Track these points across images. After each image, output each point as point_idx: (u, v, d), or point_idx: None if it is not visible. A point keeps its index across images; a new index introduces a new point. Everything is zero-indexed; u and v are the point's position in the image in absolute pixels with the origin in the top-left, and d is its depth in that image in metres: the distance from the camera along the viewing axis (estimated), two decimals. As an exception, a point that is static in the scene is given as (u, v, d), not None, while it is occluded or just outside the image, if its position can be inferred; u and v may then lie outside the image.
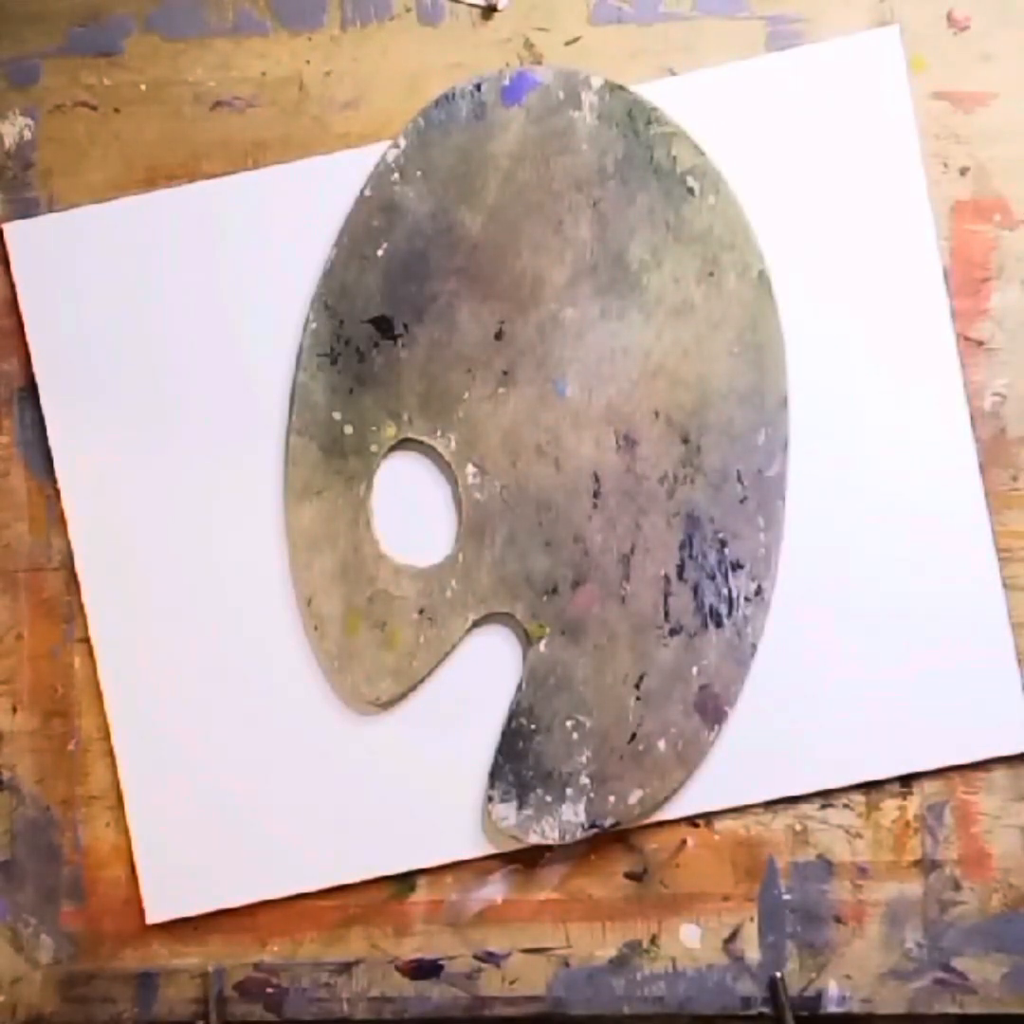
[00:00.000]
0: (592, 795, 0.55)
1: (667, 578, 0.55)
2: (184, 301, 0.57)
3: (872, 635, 0.56)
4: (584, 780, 0.55)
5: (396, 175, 0.56)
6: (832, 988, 0.56)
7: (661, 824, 0.56)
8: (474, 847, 0.56)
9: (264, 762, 0.57)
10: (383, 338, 0.56)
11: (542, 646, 0.55)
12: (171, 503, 0.57)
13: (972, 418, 0.56)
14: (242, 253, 0.57)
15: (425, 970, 0.57)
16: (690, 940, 0.56)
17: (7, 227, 0.57)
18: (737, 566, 0.55)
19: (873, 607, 0.56)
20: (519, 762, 0.55)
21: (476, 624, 0.56)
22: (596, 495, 0.56)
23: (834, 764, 0.56)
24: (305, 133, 0.57)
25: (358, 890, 0.57)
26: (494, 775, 0.56)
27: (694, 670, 0.55)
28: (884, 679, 0.56)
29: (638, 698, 0.55)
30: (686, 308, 0.56)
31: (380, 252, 0.56)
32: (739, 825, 0.56)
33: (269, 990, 0.57)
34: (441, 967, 0.57)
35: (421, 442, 0.56)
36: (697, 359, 0.55)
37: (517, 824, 0.55)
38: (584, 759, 0.55)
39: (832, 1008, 0.56)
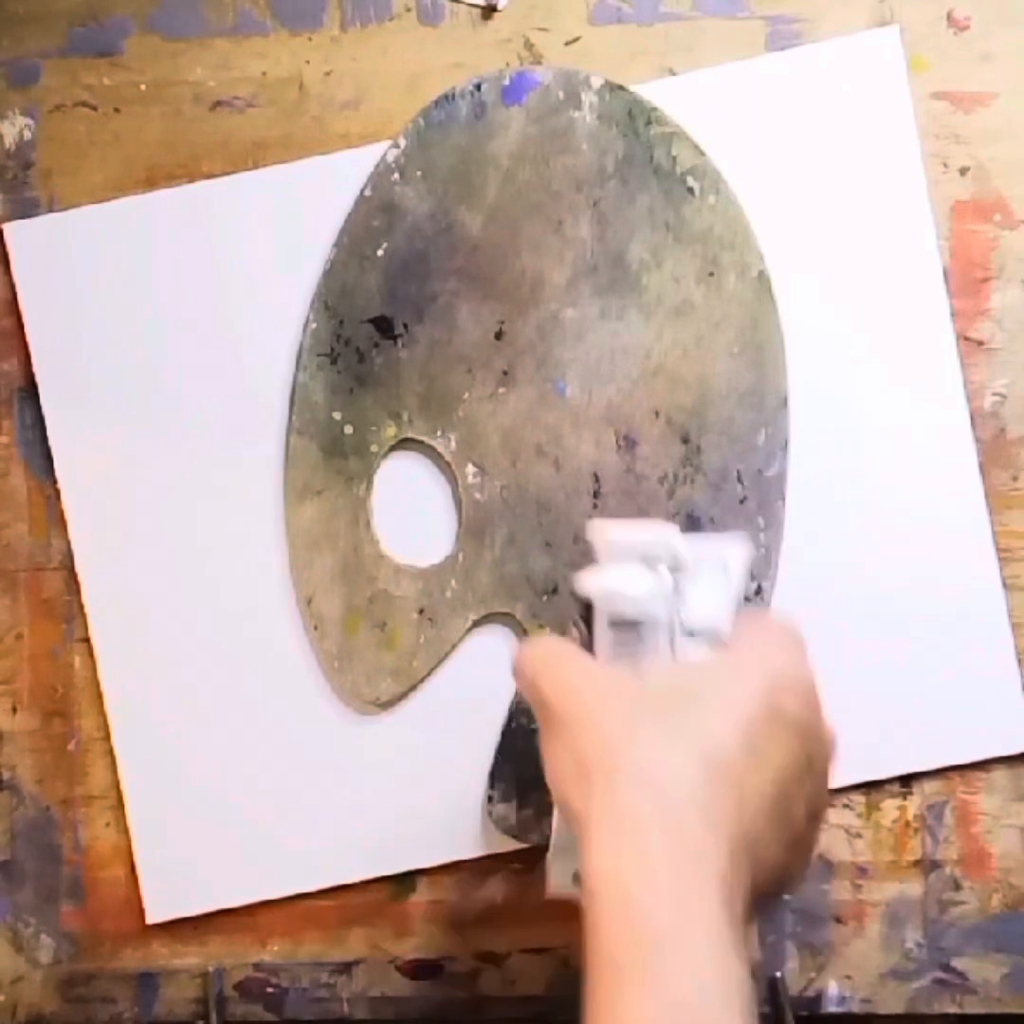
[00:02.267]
0: (592, 795, 0.55)
1: (667, 578, 0.55)
2: (184, 301, 0.57)
3: (872, 635, 0.56)
4: (584, 780, 0.55)
5: (396, 175, 0.56)
6: (832, 988, 0.56)
7: (661, 824, 0.56)
8: (474, 847, 0.56)
9: (264, 762, 0.56)
10: (383, 338, 0.56)
11: (542, 646, 0.55)
12: (171, 503, 0.57)
13: (972, 418, 0.56)
14: (242, 253, 0.57)
15: (425, 970, 0.57)
16: (690, 940, 0.56)
17: (7, 227, 0.57)
18: (737, 566, 0.55)
19: (873, 607, 0.56)
20: (519, 762, 0.55)
21: (476, 624, 0.56)
22: (596, 495, 0.56)
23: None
24: (305, 133, 0.57)
25: (358, 890, 0.57)
26: (494, 775, 0.56)
27: (694, 670, 0.55)
28: (884, 679, 0.56)
29: (638, 698, 0.55)
30: (686, 308, 0.56)
31: (380, 252, 0.56)
32: (739, 825, 0.56)
33: (269, 990, 0.57)
34: (441, 967, 0.57)
35: (421, 442, 0.56)
36: (697, 359, 0.55)
37: (517, 824, 0.55)
38: (584, 759, 0.55)
39: (832, 1008, 0.56)
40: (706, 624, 0.46)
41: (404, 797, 0.56)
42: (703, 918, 0.36)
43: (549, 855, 0.47)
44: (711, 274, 0.56)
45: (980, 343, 0.57)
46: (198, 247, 0.57)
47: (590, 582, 0.47)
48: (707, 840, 0.37)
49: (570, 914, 0.56)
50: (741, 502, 0.55)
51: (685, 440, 0.56)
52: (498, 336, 0.56)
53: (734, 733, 0.40)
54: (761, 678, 0.42)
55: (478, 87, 0.56)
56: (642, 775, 0.39)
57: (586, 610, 0.47)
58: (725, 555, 0.48)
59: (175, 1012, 0.57)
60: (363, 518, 0.56)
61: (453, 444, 0.56)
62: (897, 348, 0.56)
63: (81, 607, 0.57)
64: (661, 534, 0.47)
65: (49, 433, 0.57)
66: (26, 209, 0.57)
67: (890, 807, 0.56)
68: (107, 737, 0.57)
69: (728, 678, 0.42)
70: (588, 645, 0.47)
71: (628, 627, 0.46)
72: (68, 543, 0.57)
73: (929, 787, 0.56)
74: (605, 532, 0.48)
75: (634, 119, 0.56)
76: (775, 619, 0.48)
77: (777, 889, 0.43)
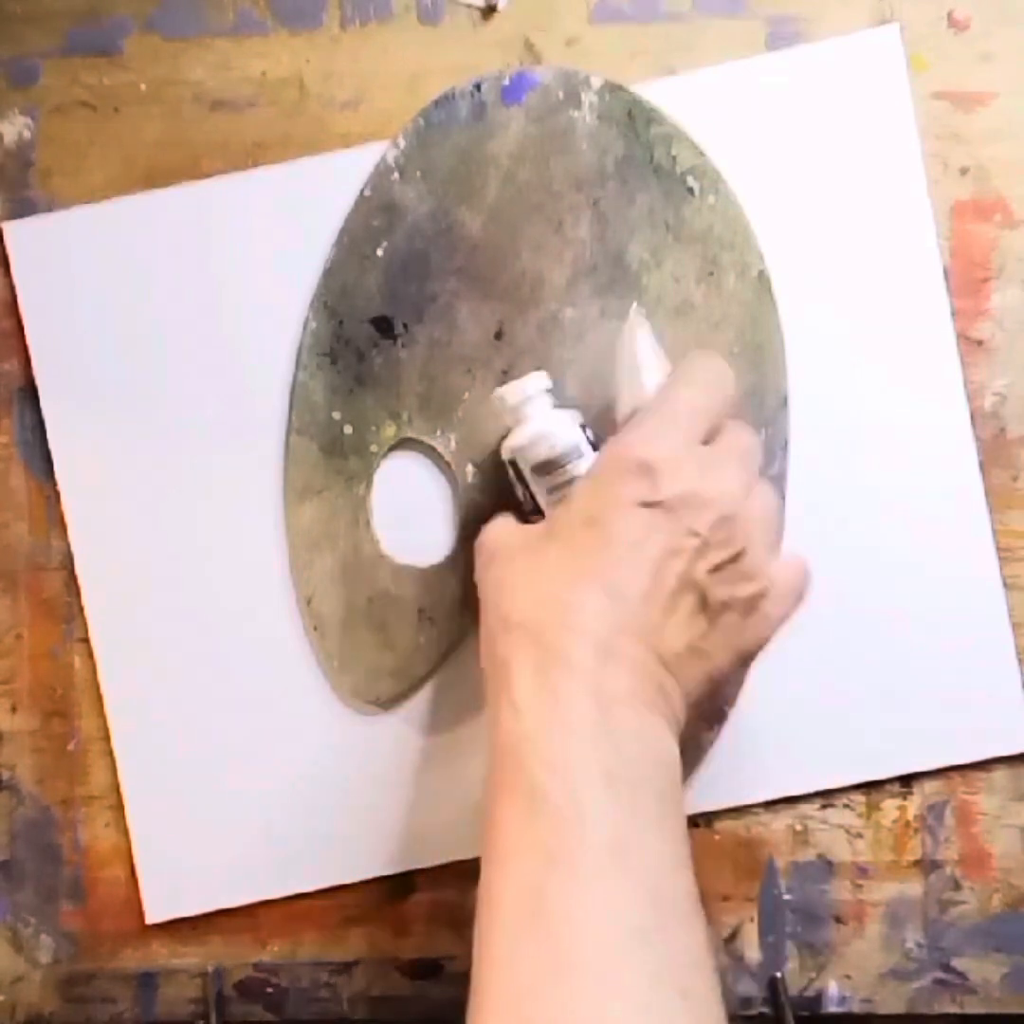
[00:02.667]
0: (592, 795, 0.55)
1: (667, 578, 0.55)
2: (184, 301, 0.57)
3: (872, 635, 0.56)
4: (584, 780, 0.55)
5: (396, 175, 0.56)
6: (832, 988, 0.56)
7: (661, 824, 0.56)
8: (474, 847, 0.56)
9: (264, 762, 0.56)
10: (383, 338, 0.56)
11: (542, 646, 0.55)
12: (171, 503, 0.57)
13: (972, 418, 0.56)
14: (242, 253, 0.57)
15: (425, 970, 0.57)
16: (690, 940, 0.56)
17: (7, 227, 0.57)
18: (737, 566, 0.55)
19: (873, 607, 0.56)
20: (519, 762, 0.55)
21: (476, 624, 0.56)
22: (596, 495, 0.56)
23: (834, 764, 0.56)
24: (305, 133, 0.57)
25: (358, 890, 0.57)
26: (494, 775, 0.56)
27: (694, 670, 0.55)
28: (884, 679, 0.56)
29: (638, 698, 0.55)
30: (686, 308, 0.56)
31: (380, 252, 0.56)
32: (739, 825, 0.56)
33: (269, 990, 0.57)
34: (441, 967, 0.57)
35: (421, 442, 0.56)
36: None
37: (517, 824, 0.55)
38: (584, 759, 0.55)
39: (832, 1008, 0.56)
40: (632, 407, 0.48)
41: (404, 797, 0.56)
42: (560, 717, 0.39)
43: None
44: (711, 274, 0.56)
45: (980, 343, 0.57)
46: (198, 247, 0.57)
47: (505, 448, 0.49)
48: (567, 646, 0.39)
49: (570, 914, 0.57)
50: (741, 502, 0.55)
51: (685, 440, 0.56)
52: (498, 336, 0.56)
53: (591, 542, 0.41)
54: (610, 471, 0.43)
55: (478, 87, 0.56)
56: (501, 617, 0.42)
57: (521, 477, 0.50)
58: (631, 339, 0.50)
59: (175, 1012, 0.57)
60: (363, 518, 0.56)
61: (453, 444, 0.56)
62: (897, 348, 0.56)
63: (81, 607, 0.57)
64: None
65: (49, 433, 0.57)
66: (26, 209, 0.57)
67: (890, 807, 0.56)
68: (107, 737, 0.57)
69: (588, 485, 0.44)
70: (534, 509, 0.50)
71: (554, 468, 0.47)
72: (68, 543, 0.57)
73: (929, 787, 0.56)
74: (503, 396, 0.51)
75: (634, 119, 0.56)
76: (692, 362, 0.48)
77: (735, 652, 0.44)
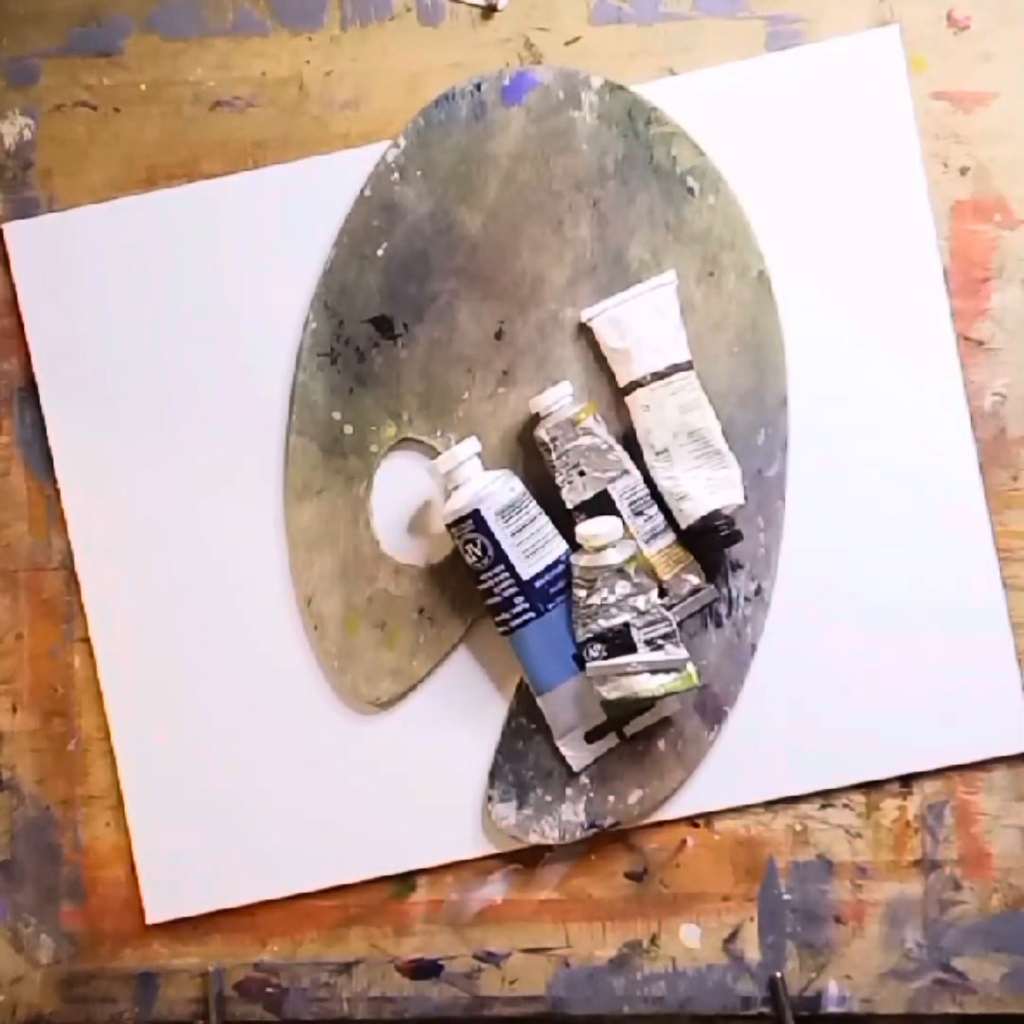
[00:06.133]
0: (592, 795, 0.55)
1: (667, 578, 0.55)
2: (184, 301, 0.57)
3: (872, 635, 0.56)
4: (584, 780, 0.55)
5: (396, 175, 0.56)
6: (832, 988, 0.56)
7: (661, 824, 0.56)
8: (474, 847, 0.56)
9: (264, 762, 0.57)
10: (383, 338, 0.56)
11: (542, 646, 0.55)
12: (171, 503, 0.57)
13: (972, 418, 0.56)
14: (242, 253, 0.57)
15: (425, 970, 0.57)
16: (690, 940, 0.56)
17: (7, 227, 0.57)
18: (737, 566, 0.55)
19: (873, 607, 0.56)
20: (519, 762, 0.55)
21: (476, 624, 0.56)
22: (596, 495, 0.56)
23: (834, 764, 0.56)
24: (305, 133, 0.57)
25: (358, 890, 0.57)
26: (494, 775, 0.56)
27: (694, 670, 0.55)
28: (884, 679, 0.56)
29: (638, 698, 0.55)
30: (686, 308, 0.56)
31: (380, 252, 0.56)
32: (739, 825, 0.56)
33: (269, 990, 0.57)
34: (441, 967, 0.57)
35: (421, 442, 0.57)
36: (697, 359, 0.55)
37: (517, 824, 0.55)
38: (584, 759, 0.55)
39: (832, 1008, 0.56)
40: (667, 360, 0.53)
41: (404, 797, 0.56)
42: None
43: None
44: (711, 274, 0.56)
45: (980, 343, 0.57)
46: (198, 247, 0.57)
47: (444, 513, 0.54)
48: None
49: (570, 914, 0.57)
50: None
51: (685, 440, 0.56)
52: (498, 336, 0.56)
53: None
54: None
55: (478, 87, 0.56)
56: None
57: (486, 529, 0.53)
58: (656, 300, 0.54)
59: (175, 1012, 0.57)
60: (363, 518, 0.56)
61: (453, 444, 0.56)
62: (897, 348, 0.56)
63: (81, 607, 0.57)
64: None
65: (49, 433, 0.57)
66: (26, 209, 0.57)
67: (890, 807, 0.56)
68: (107, 737, 0.57)
69: None
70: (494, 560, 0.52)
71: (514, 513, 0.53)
72: (68, 543, 0.57)
73: (929, 787, 0.56)
74: (436, 466, 0.54)
75: (634, 119, 0.56)
76: None
77: None
